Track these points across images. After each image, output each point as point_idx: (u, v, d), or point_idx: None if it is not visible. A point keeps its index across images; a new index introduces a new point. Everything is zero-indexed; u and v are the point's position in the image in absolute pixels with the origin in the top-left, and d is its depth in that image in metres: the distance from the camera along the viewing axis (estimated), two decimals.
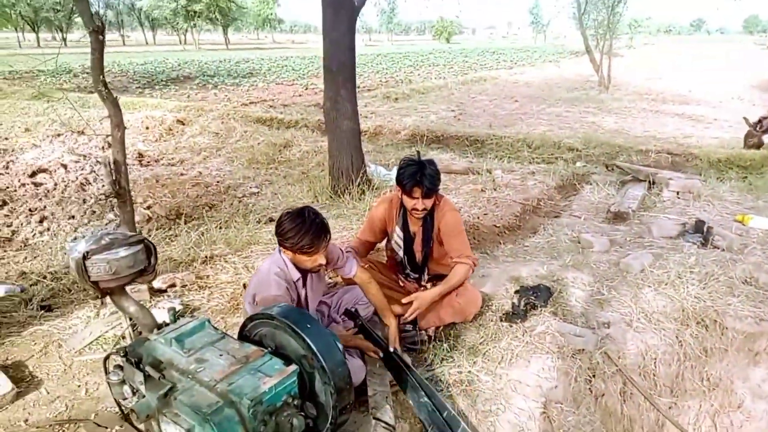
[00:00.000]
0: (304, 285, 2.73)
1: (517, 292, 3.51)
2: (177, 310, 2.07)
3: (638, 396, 3.22)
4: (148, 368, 1.84)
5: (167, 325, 2.07)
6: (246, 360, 1.84)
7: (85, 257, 1.83)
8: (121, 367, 1.98)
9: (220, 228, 5.09)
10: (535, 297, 3.41)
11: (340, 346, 1.95)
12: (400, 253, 3.28)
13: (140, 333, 2.05)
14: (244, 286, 3.80)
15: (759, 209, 5.10)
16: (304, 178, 7.05)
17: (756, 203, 5.29)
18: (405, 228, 3.21)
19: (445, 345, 3.07)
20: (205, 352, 1.90)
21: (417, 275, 3.37)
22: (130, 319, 3.15)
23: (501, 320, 3.28)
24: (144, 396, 1.84)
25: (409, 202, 3.02)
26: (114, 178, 3.25)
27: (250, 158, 7.99)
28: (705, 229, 4.38)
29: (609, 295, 3.55)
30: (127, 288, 2.08)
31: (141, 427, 2.23)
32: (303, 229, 2.48)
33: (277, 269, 2.59)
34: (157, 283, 3.57)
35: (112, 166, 3.25)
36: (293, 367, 1.82)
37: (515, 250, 4.28)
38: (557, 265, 3.93)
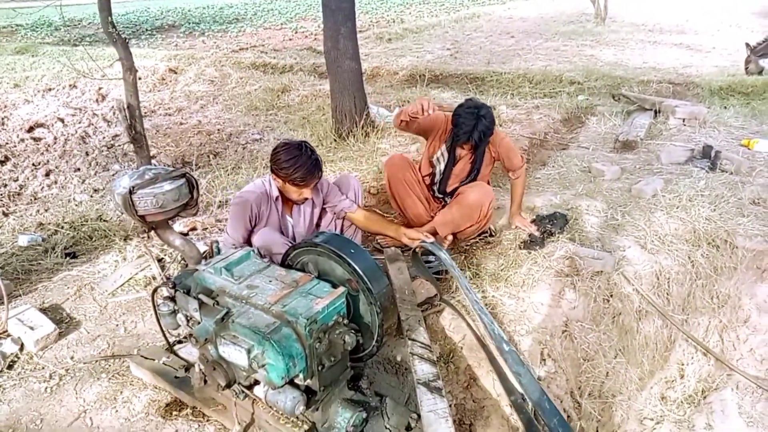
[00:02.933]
0: (288, 211, 2.89)
1: (533, 221, 3.59)
2: (219, 243, 2.13)
3: (653, 314, 3.36)
4: (201, 296, 1.91)
5: (212, 256, 2.12)
6: (296, 284, 1.91)
7: (131, 192, 1.86)
8: (171, 299, 2.05)
9: (229, 174, 5.09)
10: (552, 225, 3.49)
11: (382, 269, 2.01)
12: (440, 166, 3.43)
13: (186, 265, 2.10)
14: None
15: (764, 133, 5.15)
16: (305, 122, 6.98)
17: (760, 128, 5.33)
18: (452, 150, 3.32)
19: (468, 273, 3.16)
20: (255, 279, 1.96)
21: (442, 195, 3.51)
22: (159, 260, 3.22)
23: (520, 248, 3.37)
24: (200, 322, 1.91)
25: (459, 151, 3.28)
26: (129, 122, 3.23)
27: (248, 105, 7.88)
28: (713, 154, 4.43)
29: (623, 220, 3.63)
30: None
31: (188, 357, 2.33)
32: (298, 162, 2.54)
33: (261, 183, 2.78)
34: (178, 227, 3.61)
35: (126, 111, 3.22)
36: (342, 289, 1.89)
37: (527, 182, 4.32)
38: (570, 195, 3.99)
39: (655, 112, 5.59)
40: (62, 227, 3.97)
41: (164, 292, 2.07)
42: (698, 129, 5.27)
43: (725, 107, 6.04)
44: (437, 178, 3.47)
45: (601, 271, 3.18)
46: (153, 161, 5.61)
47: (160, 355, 2.40)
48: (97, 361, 2.58)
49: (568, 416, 3.00)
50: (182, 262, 2.44)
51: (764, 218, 3.69)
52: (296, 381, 1.85)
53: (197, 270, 2.01)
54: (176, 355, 2.41)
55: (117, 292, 3.07)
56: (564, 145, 5.20)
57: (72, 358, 2.63)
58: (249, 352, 1.74)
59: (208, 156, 5.90)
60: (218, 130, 6.91)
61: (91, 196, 4.72)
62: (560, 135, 5.55)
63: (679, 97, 6.77)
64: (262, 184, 2.77)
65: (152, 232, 2.04)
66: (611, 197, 3.93)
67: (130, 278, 3.13)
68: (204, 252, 2.75)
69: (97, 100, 8.02)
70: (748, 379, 3.40)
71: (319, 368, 1.82)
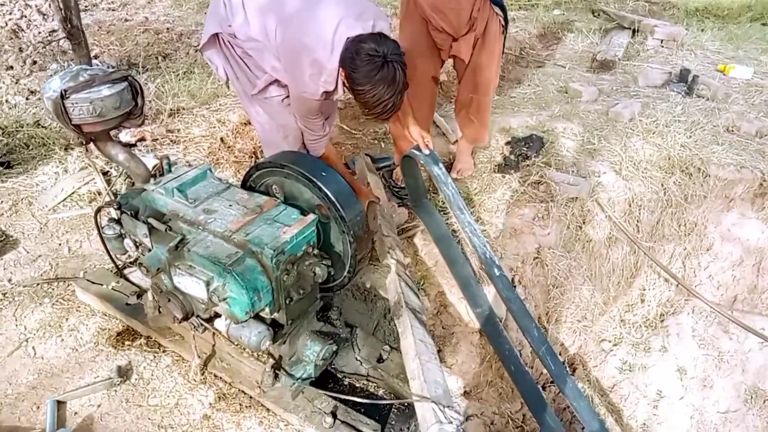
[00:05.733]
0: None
1: (508, 143, 3.43)
2: (170, 158, 1.87)
3: (622, 241, 3.33)
4: (151, 220, 1.69)
5: (161, 174, 1.88)
6: (260, 210, 1.70)
7: (63, 96, 1.57)
8: (116, 221, 1.82)
9: (181, 79, 4.67)
10: (528, 148, 3.34)
11: (355, 196, 1.83)
12: None
13: (132, 183, 1.85)
14: (222, 140, 3.57)
15: (739, 59, 5.03)
16: None
17: (736, 53, 5.21)
18: None
19: (440, 197, 3.01)
20: (212, 203, 1.74)
21: None
22: (105, 173, 2.93)
23: (494, 171, 3.22)
24: (150, 249, 1.70)
25: None
26: (64, 15, 2.80)
27: (200, 2, 7.19)
28: (690, 78, 4.30)
29: (599, 145, 3.52)
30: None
31: (140, 282, 2.14)
32: (387, 94, 1.86)
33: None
34: (125, 137, 3.28)
35: (60, 1, 2.78)
36: (312, 216, 1.70)
37: (502, 101, 4.12)
38: (546, 116, 3.82)
39: (634, 31, 5.37)
40: None
41: (110, 213, 1.84)
42: (675, 51, 5.11)
43: (702, 30, 5.86)
44: None
45: (576, 198, 3.08)
46: (94, 62, 5.09)
47: (108, 280, 2.19)
48: (38, 284, 2.35)
49: None
50: (130, 178, 2.15)
51: (738, 147, 3.65)
52: (261, 314, 1.70)
53: (145, 190, 1.77)
54: (127, 279, 2.21)
55: (58, 207, 2.78)
56: (540, 63, 4.96)
57: (10, 280, 2.39)
58: (208, 284, 1.56)
59: (157, 58, 5.38)
60: (167, 29, 6.30)
61: (27, 99, 4.24)
62: (536, 51, 5.29)
63: (656, 17, 6.53)
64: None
65: (91, 145, 1.77)
66: (588, 120, 3.78)
67: (73, 192, 2.84)
68: (154, 167, 2.48)
69: None
70: (707, 303, 3.49)
71: (287, 301, 1.67)
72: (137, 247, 1.77)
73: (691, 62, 4.90)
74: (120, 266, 2.19)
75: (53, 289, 2.31)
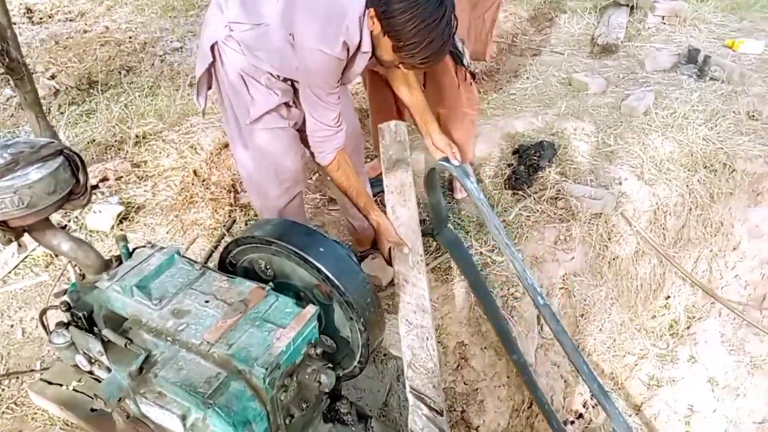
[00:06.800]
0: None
1: (515, 152, 3.07)
2: (128, 239, 1.50)
3: (649, 254, 3.02)
4: (106, 332, 1.32)
5: (119, 262, 1.50)
6: (245, 306, 1.34)
7: None
8: (66, 325, 1.45)
9: (146, 96, 4.25)
10: (539, 157, 2.98)
11: (363, 272, 1.47)
12: None
13: (82, 275, 1.48)
14: (195, 173, 3.17)
15: (746, 31, 4.70)
16: None
17: (741, 24, 4.88)
18: None
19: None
20: (183, 299, 1.38)
21: None
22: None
23: (504, 188, 2.87)
24: (109, 369, 1.34)
25: None
26: (1, 47, 2.39)
27: (164, 5, 6.69)
28: (700, 59, 3.96)
29: (616, 146, 3.18)
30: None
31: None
32: (435, 20, 1.48)
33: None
34: None
35: None
36: (312, 308, 1.34)
37: (501, 99, 3.76)
38: (552, 114, 3.47)
39: (632, 8, 5.01)
40: None
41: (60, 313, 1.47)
42: (678, 27, 4.76)
43: (702, 0, 5.51)
44: None
45: (600, 213, 2.75)
46: (51, 83, 4.63)
47: (70, 378, 1.82)
48: None
49: (565, 380, 2.71)
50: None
51: (764, 135, 3.33)
52: None
53: (97, 288, 1.40)
54: (91, 375, 1.84)
55: (8, 277, 2.39)
56: (535, 50, 4.59)
57: None
58: (184, 418, 1.20)
59: (119, 72, 4.94)
60: (129, 38, 5.83)
61: None
62: (529, 37, 4.91)
63: None
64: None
65: (24, 237, 1.39)
66: (600, 117, 3.44)
67: (26, 257, 2.45)
68: (118, 215, 2.09)
69: None
70: (731, 309, 3.24)
71: (287, 421, 1.32)
72: (92, 363, 1.41)
73: (697, 39, 4.56)
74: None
75: (3, 390, 1.92)
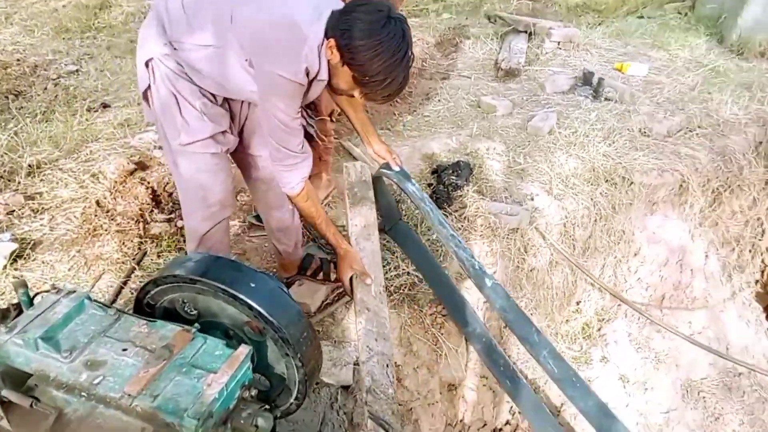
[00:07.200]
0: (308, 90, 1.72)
1: (434, 172, 3.14)
2: (28, 286, 1.34)
3: (562, 264, 3.18)
4: (6, 393, 1.17)
5: (18, 310, 1.34)
6: (169, 352, 1.23)
7: None
8: None
9: (39, 122, 3.93)
10: (456, 176, 3.06)
11: (296, 305, 1.42)
12: None
13: None
14: (98, 203, 2.95)
15: (631, 55, 5.14)
16: (134, 47, 5.71)
17: (626, 49, 5.32)
18: None
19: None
20: (98, 349, 1.25)
21: None
22: None
23: None
24: None
25: None
26: None
27: (56, 26, 6.26)
28: (594, 81, 4.27)
29: (525, 164, 3.34)
30: None
31: None
32: (395, 56, 1.50)
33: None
34: None
35: None
36: (244, 349, 1.26)
37: (416, 121, 3.84)
38: (465, 135, 3.59)
39: (529, 35, 5.32)
40: None
41: None
42: (573, 52, 5.12)
43: (590, 27, 5.97)
44: None
45: (517, 228, 2.86)
46: None
47: None
48: None
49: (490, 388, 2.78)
50: None
51: (655, 150, 3.64)
52: None
53: None
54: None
55: None
56: (444, 74, 4.75)
57: None
58: None
59: (7, 97, 4.54)
60: (18, 60, 5.38)
61: None
62: (436, 62, 5.08)
63: (541, 16, 6.60)
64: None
65: None
66: (509, 136, 3.60)
67: None
68: (11, 254, 1.88)
69: None
70: (635, 309, 3.53)
71: None
72: None
73: (590, 62, 4.92)
74: None
75: None
